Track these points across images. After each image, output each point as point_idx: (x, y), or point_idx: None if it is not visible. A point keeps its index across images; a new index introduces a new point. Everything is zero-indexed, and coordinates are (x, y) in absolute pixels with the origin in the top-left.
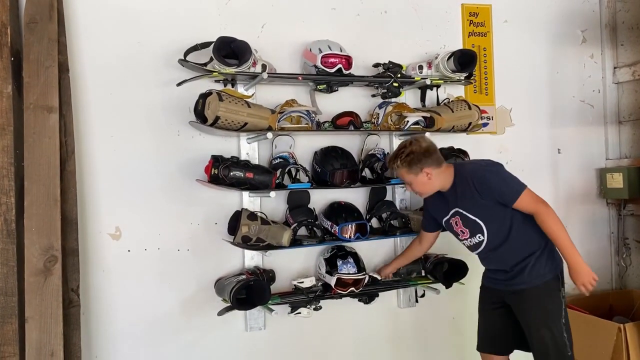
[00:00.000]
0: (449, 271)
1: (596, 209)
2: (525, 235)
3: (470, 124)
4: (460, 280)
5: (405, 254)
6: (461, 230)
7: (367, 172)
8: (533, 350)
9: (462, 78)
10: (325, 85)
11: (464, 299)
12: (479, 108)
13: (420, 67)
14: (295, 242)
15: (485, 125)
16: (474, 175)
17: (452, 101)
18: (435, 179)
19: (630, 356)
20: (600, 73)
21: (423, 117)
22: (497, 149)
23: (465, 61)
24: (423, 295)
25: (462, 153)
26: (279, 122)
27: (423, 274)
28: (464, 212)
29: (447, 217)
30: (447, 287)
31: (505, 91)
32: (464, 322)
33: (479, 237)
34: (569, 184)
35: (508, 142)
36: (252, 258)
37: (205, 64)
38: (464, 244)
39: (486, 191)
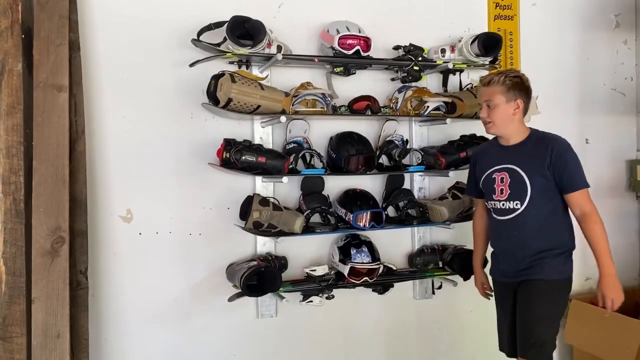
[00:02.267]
0: (467, 263)
1: (625, 202)
2: (558, 229)
3: None
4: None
5: (478, 240)
6: (502, 189)
7: (384, 159)
8: (523, 343)
9: (487, 63)
10: (342, 68)
11: None
12: None
13: (443, 51)
14: (308, 229)
15: None
16: (557, 142)
17: (475, 87)
18: (517, 120)
19: None
20: (633, 60)
21: (444, 102)
22: None
23: (489, 45)
24: (440, 287)
25: (485, 141)
26: (293, 105)
27: (440, 265)
28: (519, 171)
29: (494, 169)
30: (465, 279)
31: (531, 77)
32: (482, 316)
33: (516, 204)
34: (597, 176)
35: None
36: (264, 244)
37: (218, 45)
38: (492, 204)
39: (560, 163)
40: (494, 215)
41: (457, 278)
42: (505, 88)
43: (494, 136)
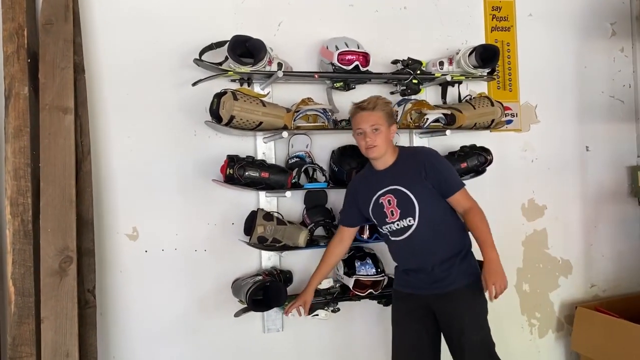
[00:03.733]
0: None
1: (627, 208)
2: (453, 232)
3: (493, 121)
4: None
5: (326, 262)
6: (391, 211)
7: None
8: (461, 356)
9: (485, 74)
10: (342, 83)
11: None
12: (502, 104)
13: (441, 63)
14: (312, 243)
15: (509, 122)
16: (424, 154)
17: (474, 98)
18: (390, 143)
19: None
20: (631, 67)
21: (443, 114)
22: (522, 147)
23: (487, 57)
24: None
25: (485, 151)
26: (294, 120)
27: None
28: (403, 189)
29: (378, 194)
30: None
31: (530, 87)
32: (491, 325)
33: (409, 220)
34: (598, 183)
35: (533, 140)
36: (269, 259)
37: (220, 64)
38: (387, 228)
39: (433, 172)
40: (392, 238)
41: None
42: (386, 114)
43: (367, 165)
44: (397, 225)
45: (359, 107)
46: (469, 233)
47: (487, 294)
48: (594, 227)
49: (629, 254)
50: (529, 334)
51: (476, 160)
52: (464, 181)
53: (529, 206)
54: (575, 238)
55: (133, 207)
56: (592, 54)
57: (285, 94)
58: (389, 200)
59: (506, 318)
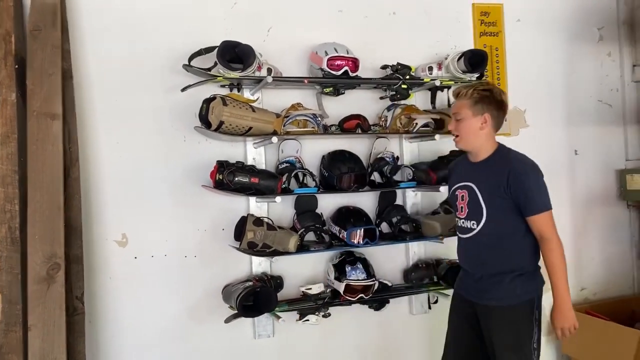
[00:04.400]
0: None
1: (616, 211)
2: (516, 251)
3: None
4: None
5: None
6: (462, 207)
7: (376, 176)
8: None
9: (473, 79)
10: (331, 88)
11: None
12: None
13: (430, 68)
14: (303, 248)
15: None
16: (516, 164)
17: None
18: (485, 135)
19: None
20: (618, 71)
21: (432, 119)
22: None
23: (476, 62)
24: (436, 302)
25: None
26: (284, 126)
27: (435, 280)
28: (476, 191)
29: (457, 186)
30: None
31: (518, 92)
32: None
33: (472, 223)
34: (587, 186)
35: (522, 144)
36: (260, 264)
37: (209, 69)
38: (457, 221)
39: (516, 186)
40: (458, 233)
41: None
42: (472, 102)
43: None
44: (463, 223)
45: (452, 94)
46: (537, 256)
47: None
48: (583, 231)
49: (619, 257)
50: None
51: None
52: None
53: None
54: (565, 242)
55: (122, 213)
56: (580, 59)
57: (275, 100)
58: (462, 196)
59: None
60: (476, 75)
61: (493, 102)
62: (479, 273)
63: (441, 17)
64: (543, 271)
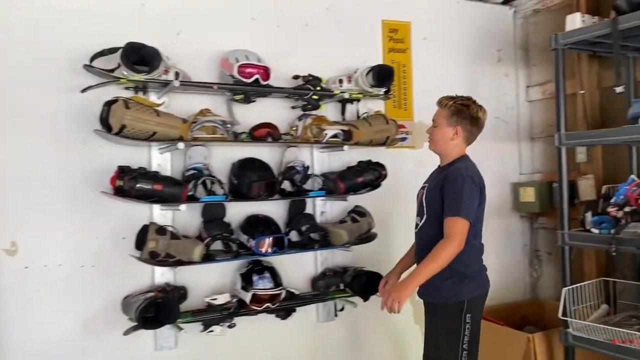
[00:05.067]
0: (367, 284)
1: (511, 222)
2: None
3: (388, 138)
4: (378, 293)
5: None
6: (416, 205)
7: (286, 185)
8: None
9: (381, 93)
10: (242, 96)
11: (383, 312)
12: (396, 123)
13: (340, 81)
14: (208, 258)
15: (403, 139)
16: (452, 171)
17: (370, 115)
18: (453, 144)
19: None
20: (514, 91)
21: (341, 130)
22: (416, 163)
23: (383, 76)
24: (342, 309)
25: (380, 166)
26: (192, 131)
27: (342, 287)
28: (425, 192)
29: (422, 185)
30: (364, 300)
31: (424, 107)
32: (385, 335)
33: (418, 219)
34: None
35: (426, 157)
36: (163, 274)
37: (112, 70)
38: None
39: (445, 188)
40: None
41: (358, 299)
42: (449, 112)
43: None
44: (416, 219)
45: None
46: (477, 261)
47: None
48: None
49: (513, 265)
50: (421, 343)
51: (372, 174)
52: (360, 194)
53: None
54: None
55: (12, 220)
56: (480, 78)
57: (183, 104)
58: (418, 194)
59: (401, 328)
60: (384, 89)
61: (468, 117)
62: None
63: (352, 32)
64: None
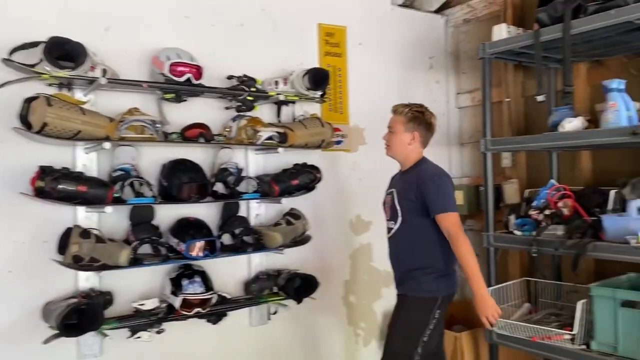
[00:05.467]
0: (301, 287)
1: None
2: (427, 249)
3: (323, 140)
4: (312, 296)
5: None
6: (386, 210)
7: (219, 187)
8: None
9: (317, 96)
10: (173, 95)
11: (317, 314)
12: (331, 126)
13: (276, 83)
14: (136, 262)
15: (339, 142)
16: (424, 172)
17: (306, 118)
18: (411, 149)
19: None
20: (445, 97)
21: (277, 132)
22: (351, 166)
23: (319, 80)
24: (276, 312)
25: (315, 169)
26: (119, 131)
27: (275, 291)
28: (396, 196)
29: (387, 192)
30: (298, 303)
31: (359, 111)
32: (317, 337)
33: (392, 224)
34: None
35: (361, 160)
36: (87, 279)
37: (33, 65)
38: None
39: (422, 191)
40: (387, 234)
41: (291, 302)
42: (405, 119)
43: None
44: (388, 224)
45: (391, 109)
46: (451, 258)
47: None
48: None
49: None
50: (354, 344)
51: (307, 177)
52: (295, 197)
53: (356, 221)
54: None
55: None
56: (413, 84)
57: (112, 103)
58: (386, 201)
59: (334, 329)
60: (319, 93)
61: (423, 122)
62: (397, 269)
63: (289, 34)
64: None
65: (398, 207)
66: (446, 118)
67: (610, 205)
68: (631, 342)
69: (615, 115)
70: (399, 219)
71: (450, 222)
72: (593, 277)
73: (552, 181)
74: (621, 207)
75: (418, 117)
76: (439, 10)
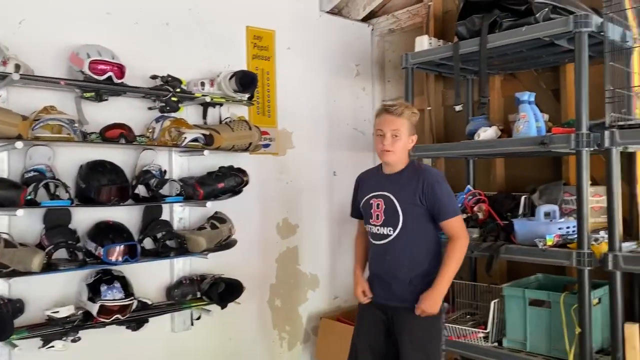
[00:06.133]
0: (225, 291)
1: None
2: (427, 257)
3: (250, 144)
4: (236, 300)
5: (359, 254)
6: (377, 215)
7: (141, 190)
8: None
9: (245, 99)
10: (93, 93)
11: (242, 318)
12: (259, 129)
13: (203, 84)
14: (50, 267)
15: (267, 146)
16: (428, 174)
17: (233, 121)
18: (406, 152)
19: None
20: (370, 104)
21: (202, 134)
22: (279, 170)
23: (246, 82)
24: (199, 318)
25: (241, 172)
26: (33, 130)
27: (199, 296)
28: (394, 199)
29: (372, 195)
30: (222, 308)
31: (287, 115)
32: (242, 342)
33: (389, 230)
34: (342, 204)
35: (289, 164)
36: None
37: None
38: (369, 228)
39: (430, 195)
40: (371, 240)
41: (214, 307)
42: (409, 123)
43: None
44: (378, 230)
45: (386, 109)
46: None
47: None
48: (338, 244)
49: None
50: (279, 347)
51: (233, 180)
52: (221, 201)
53: (283, 225)
54: (322, 254)
55: None
56: (340, 90)
57: (24, 100)
58: (377, 204)
59: (259, 334)
60: (247, 95)
61: (417, 124)
62: (392, 279)
63: (215, 35)
64: None
65: (400, 211)
66: (371, 124)
67: (521, 210)
68: (538, 338)
69: (526, 125)
70: (400, 225)
71: (459, 224)
72: (506, 278)
73: (469, 187)
74: (531, 212)
75: (416, 120)
76: (365, 19)
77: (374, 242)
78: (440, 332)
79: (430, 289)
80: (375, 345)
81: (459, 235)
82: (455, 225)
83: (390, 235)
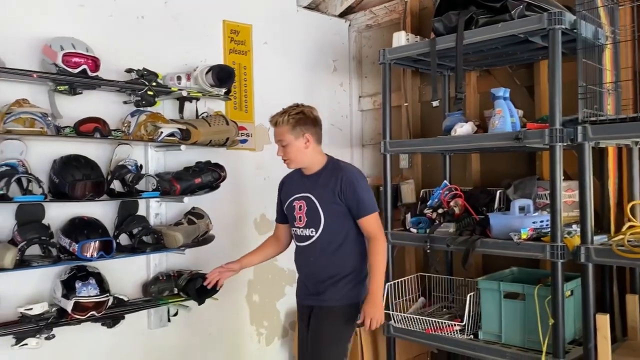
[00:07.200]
0: (202, 287)
1: None
2: (350, 256)
3: (228, 139)
4: (214, 296)
5: (256, 252)
6: (300, 217)
7: (116, 185)
8: None
9: (221, 93)
10: (67, 87)
11: (219, 314)
12: (236, 124)
13: (179, 78)
14: (23, 264)
15: (244, 141)
16: (347, 172)
17: (210, 115)
18: (311, 151)
19: (364, 356)
20: (348, 100)
21: (179, 129)
22: (256, 165)
23: (223, 77)
24: (176, 314)
25: (219, 168)
26: (5, 123)
27: (176, 292)
28: (314, 200)
29: (294, 197)
30: (200, 304)
31: (264, 110)
32: (219, 338)
33: (311, 231)
34: None
35: (266, 159)
36: None
37: None
38: (294, 231)
39: (349, 192)
40: (296, 242)
41: (192, 303)
42: (290, 127)
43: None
44: (302, 232)
45: (270, 122)
46: (365, 261)
47: (361, 322)
48: None
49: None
50: (257, 343)
51: (210, 176)
52: (198, 196)
53: (261, 220)
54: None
55: None
56: (318, 86)
57: None
58: (300, 206)
59: (237, 330)
60: (224, 90)
61: (308, 121)
62: (315, 278)
63: (192, 28)
64: None
65: (321, 212)
66: (349, 120)
67: (496, 205)
68: (513, 330)
69: (501, 121)
70: (321, 225)
71: (375, 222)
72: (482, 272)
73: (445, 182)
74: (506, 206)
75: (301, 119)
76: (342, 15)
77: (298, 244)
78: (350, 331)
79: (368, 298)
80: (305, 343)
81: (376, 235)
82: (371, 222)
83: (313, 236)
